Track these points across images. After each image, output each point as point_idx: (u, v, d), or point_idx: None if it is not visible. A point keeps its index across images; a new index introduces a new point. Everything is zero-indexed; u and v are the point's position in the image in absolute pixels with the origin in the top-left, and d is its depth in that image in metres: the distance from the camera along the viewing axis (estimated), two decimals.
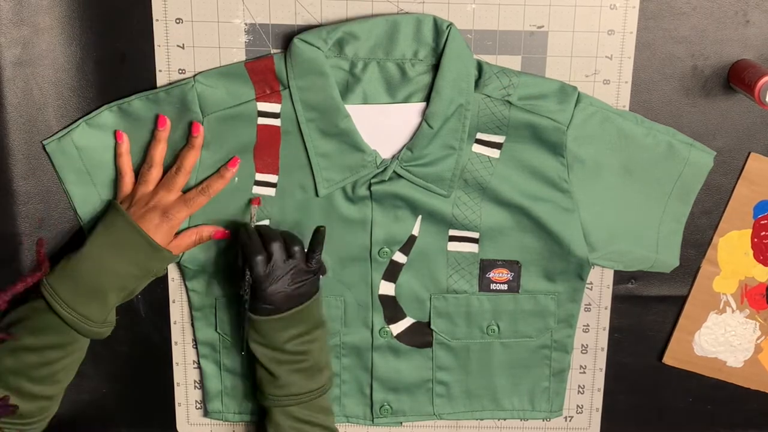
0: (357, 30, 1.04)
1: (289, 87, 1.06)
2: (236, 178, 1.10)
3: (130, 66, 1.08)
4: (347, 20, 1.05)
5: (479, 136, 1.09)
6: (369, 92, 1.06)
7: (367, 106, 1.07)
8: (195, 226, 1.10)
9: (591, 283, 1.18)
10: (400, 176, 1.09)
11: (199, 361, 1.20)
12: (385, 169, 1.08)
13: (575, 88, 1.08)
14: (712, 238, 1.17)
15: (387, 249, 1.13)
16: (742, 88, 1.05)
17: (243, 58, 1.07)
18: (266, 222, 1.12)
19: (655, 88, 1.10)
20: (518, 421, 1.23)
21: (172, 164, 1.07)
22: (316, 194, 1.10)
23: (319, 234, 1.07)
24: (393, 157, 1.08)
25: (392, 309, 1.15)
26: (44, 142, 1.09)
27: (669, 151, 1.11)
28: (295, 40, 1.03)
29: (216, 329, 1.17)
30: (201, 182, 1.08)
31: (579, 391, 1.23)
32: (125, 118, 1.08)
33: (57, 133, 1.09)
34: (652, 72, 1.10)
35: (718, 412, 1.25)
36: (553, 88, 1.07)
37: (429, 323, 1.16)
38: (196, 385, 1.22)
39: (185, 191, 1.07)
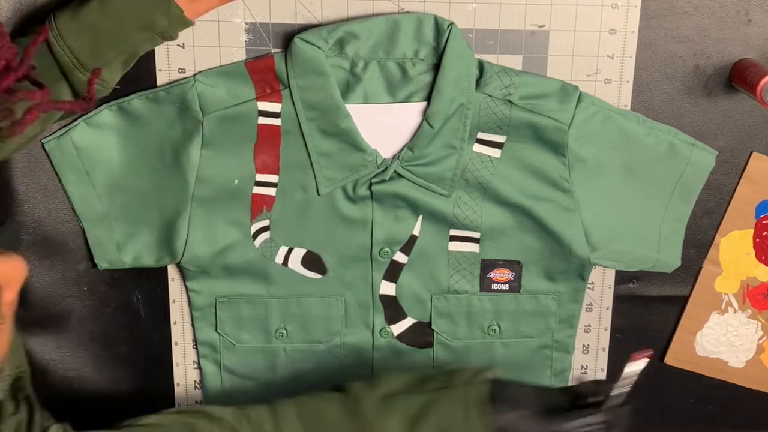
0: (357, 29, 1.03)
1: (289, 86, 1.06)
2: (236, 179, 1.09)
3: None
4: (348, 19, 1.05)
5: (480, 135, 1.08)
6: (370, 92, 1.06)
7: (367, 105, 1.07)
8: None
9: (592, 283, 1.18)
10: (400, 176, 1.08)
11: (199, 361, 1.19)
12: (385, 168, 1.08)
13: (576, 87, 1.07)
14: (713, 238, 1.16)
15: (388, 249, 1.12)
16: (744, 88, 1.05)
17: (243, 57, 1.07)
18: (266, 222, 1.11)
19: (657, 88, 1.10)
20: None
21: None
22: (317, 194, 1.09)
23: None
24: (394, 156, 1.08)
25: (393, 309, 1.15)
26: (43, 141, 1.09)
27: (670, 150, 1.11)
28: (296, 40, 1.03)
29: (216, 329, 1.17)
30: None
31: None
32: (125, 117, 1.08)
33: (56, 131, 1.08)
34: (653, 71, 1.09)
35: (720, 413, 1.25)
36: (554, 88, 1.07)
37: (430, 323, 1.16)
38: (197, 385, 1.22)
39: None
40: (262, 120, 1.08)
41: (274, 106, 1.07)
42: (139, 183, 1.10)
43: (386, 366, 1.18)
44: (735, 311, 1.19)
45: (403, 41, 1.04)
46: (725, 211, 1.15)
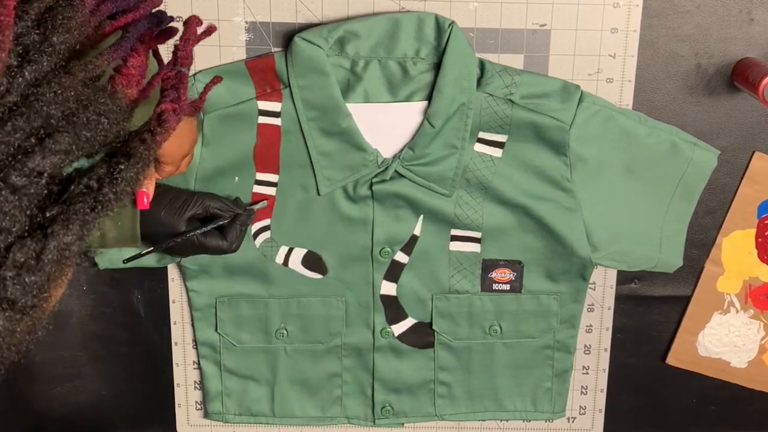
0: (358, 28, 1.03)
1: (289, 86, 1.05)
2: (236, 178, 1.09)
3: None
4: (348, 18, 1.05)
5: (481, 135, 1.08)
6: (370, 91, 1.06)
7: (368, 104, 1.06)
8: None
9: (594, 283, 1.17)
10: (401, 176, 1.08)
11: (199, 361, 1.19)
12: (386, 168, 1.07)
13: (578, 86, 1.07)
14: (715, 238, 1.16)
15: (388, 249, 1.12)
16: (746, 87, 1.05)
17: (243, 56, 1.07)
18: (267, 222, 1.11)
19: (659, 87, 1.10)
20: (521, 422, 1.23)
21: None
22: (318, 194, 1.09)
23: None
24: (394, 156, 1.08)
25: (394, 309, 1.15)
26: None
27: (672, 150, 1.10)
28: (296, 39, 1.03)
29: (216, 329, 1.16)
30: None
31: (582, 392, 1.23)
32: None
33: None
34: (655, 71, 1.09)
35: (722, 413, 1.24)
36: (555, 87, 1.07)
37: (431, 323, 1.16)
38: (197, 385, 1.22)
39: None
40: (262, 119, 1.07)
41: (275, 106, 1.07)
42: None
43: (387, 366, 1.17)
44: (737, 311, 1.19)
45: (404, 40, 1.04)
46: (727, 211, 1.15)
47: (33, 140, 0.56)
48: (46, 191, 0.57)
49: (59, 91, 0.58)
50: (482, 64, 1.06)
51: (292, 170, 1.09)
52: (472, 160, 1.09)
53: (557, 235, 1.11)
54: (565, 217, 1.10)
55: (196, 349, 1.19)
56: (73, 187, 0.60)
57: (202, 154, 1.07)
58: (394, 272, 1.13)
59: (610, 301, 1.19)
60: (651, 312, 1.20)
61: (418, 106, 1.06)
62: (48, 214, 0.57)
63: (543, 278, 1.14)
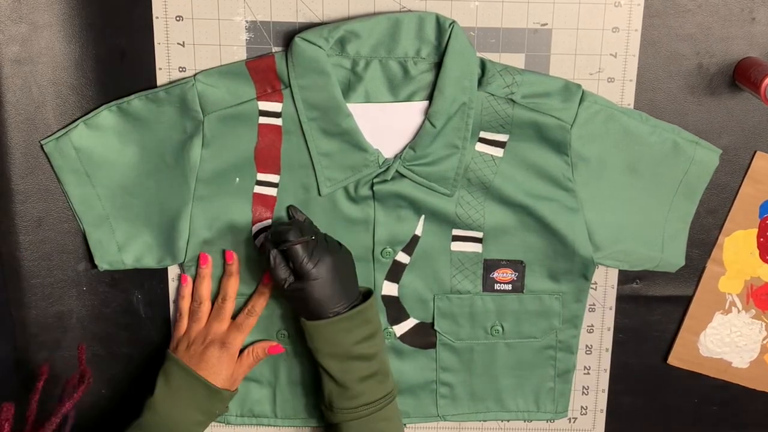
0: (359, 28, 1.03)
1: (290, 86, 1.05)
2: (237, 178, 1.09)
3: (129, 64, 1.07)
4: (349, 18, 1.05)
5: (483, 134, 1.08)
6: (371, 91, 1.06)
7: (369, 104, 1.06)
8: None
9: (595, 283, 1.17)
10: (402, 176, 1.08)
11: None
12: (387, 168, 1.07)
13: (579, 86, 1.07)
14: (717, 238, 1.16)
15: (390, 249, 1.12)
16: (748, 86, 1.04)
17: (244, 55, 1.06)
18: (267, 222, 1.11)
19: (660, 86, 1.09)
20: (522, 422, 1.23)
21: (216, 293, 1.13)
22: (319, 194, 1.09)
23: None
24: (395, 156, 1.07)
25: (395, 310, 1.15)
26: (42, 142, 1.08)
27: (674, 149, 1.10)
28: (297, 39, 1.02)
29: None
30: (245, 306, 1.12)
31: (583, 392, 1.23)
32: (125, 118, 1.07)
33: (55, 132, 1.08)
34: (657, 70, 1.09)
35: (724, 413, 1.24)
36: (557, 86, 1.07)
37: (432, 324, 1.15)
38: None
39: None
40: (263, 120, 1.07)
41: (275, 106, 1.06)
42: (139, 184, 1.09)
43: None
44: (739, 311, 1.19)
45: (405, 40, 1.04)
46: (729, 211, 1.15)
47: None
48: None
49: None
50: (483, 64, 1.06)
51: (293, 171, 1.09)
52: (474, 160, 1.09)
53: (559, 235, 1.11)
54: (566, 216, 1.10)
55: None
56: None
57: (202, 155, 1.07)
58: (395, 273, 1.13)
59: (612, 301, 1.18)
60: (652, 312, 1.19)
61: (419, 106, 1.06)
62: None
63: (545, 278, 1.14)
